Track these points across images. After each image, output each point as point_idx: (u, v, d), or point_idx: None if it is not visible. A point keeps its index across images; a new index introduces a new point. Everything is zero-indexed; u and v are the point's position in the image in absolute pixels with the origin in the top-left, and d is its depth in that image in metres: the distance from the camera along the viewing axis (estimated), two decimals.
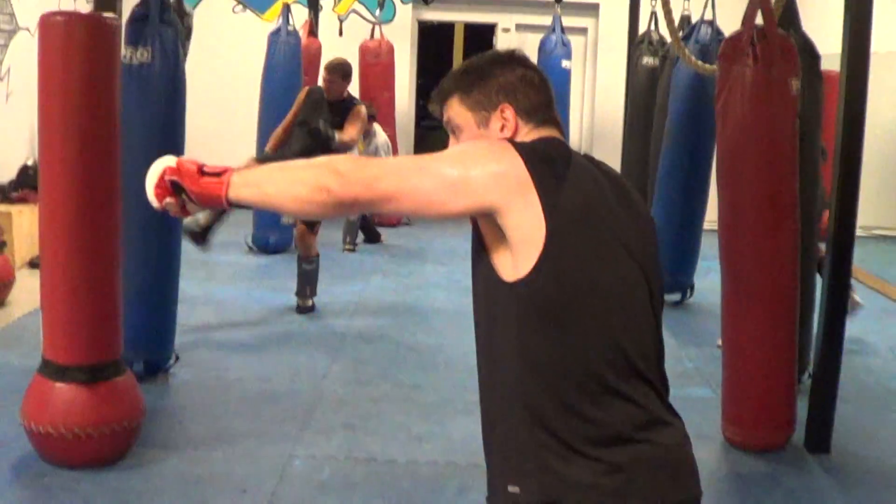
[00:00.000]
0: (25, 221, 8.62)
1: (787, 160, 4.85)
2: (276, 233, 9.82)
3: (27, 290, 7.40)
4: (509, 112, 2.14)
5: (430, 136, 15.81)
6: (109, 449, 4.51)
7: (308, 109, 7.64)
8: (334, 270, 9.13)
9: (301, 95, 7.88)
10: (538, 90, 2.19)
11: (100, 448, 4.45)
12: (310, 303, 7.76)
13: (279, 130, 7.77)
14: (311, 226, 7.58)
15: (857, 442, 5.28)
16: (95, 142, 4.40)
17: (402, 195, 1.96)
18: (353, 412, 5.44)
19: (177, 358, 5.86)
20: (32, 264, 8.38)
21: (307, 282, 7.77)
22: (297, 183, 1.99)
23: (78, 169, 4.37)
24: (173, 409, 5.36)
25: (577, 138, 12.65)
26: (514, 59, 2.22)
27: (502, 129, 2.14)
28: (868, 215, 7.66)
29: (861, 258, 7.99)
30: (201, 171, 2.06)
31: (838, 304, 5.02)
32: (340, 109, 7.66)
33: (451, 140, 2.22)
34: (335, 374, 6.09)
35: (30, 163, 9.47)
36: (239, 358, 6.34)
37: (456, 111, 2.19)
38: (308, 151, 6.97)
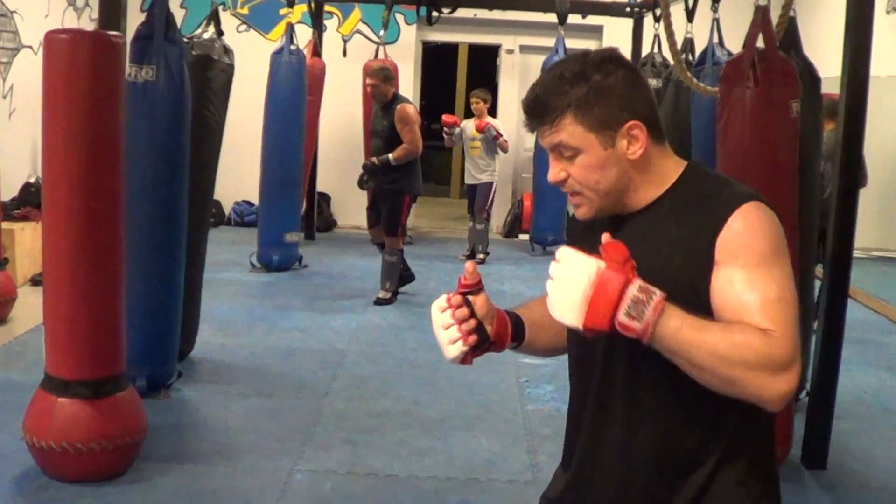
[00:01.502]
0: (27, 239, 8.65)
1: (786, 182, 4.87)
2: (279, 251, 9.89)
3: (29, 307, 7.43)
4: (638, 130, 1.91)
5: (434, 156, 15.86)
6: (111, 463, 4.52)
7: (372, 123, 8.51)
8: (336, 288, 9.21)
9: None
10: (646, 90, 2.00)
11: (102, 463, 4.46)
12: (388, 295, 8.57)
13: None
14: (393, 231, 8.40)
15: (853, 459, 5.31)
16: (99, 159, 4.42)
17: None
18: (354, 427, 5.46)
19: (179, 374, 5.88)
20: (34, 281, 8.43)
21: (388, 274, 8.56)
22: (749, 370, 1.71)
23: (81, 185, 4.39)
24: (175, 424, 5.37)
25: None
26: (612, 59, 1.96)
27: (629, 147, 1.91)
28: (867, 237, 7.68)
29: (859, 279, 8.04)
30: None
31: (836, 324, 5.04)
32: (388, 112, 8.21)
33: (554, 161, 1.95)
34: (336, 390, 6.11)
35: (32, 180, 9.51)
36: (241, 374, 6.36)
37: (571, 133, 1.89)
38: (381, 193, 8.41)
